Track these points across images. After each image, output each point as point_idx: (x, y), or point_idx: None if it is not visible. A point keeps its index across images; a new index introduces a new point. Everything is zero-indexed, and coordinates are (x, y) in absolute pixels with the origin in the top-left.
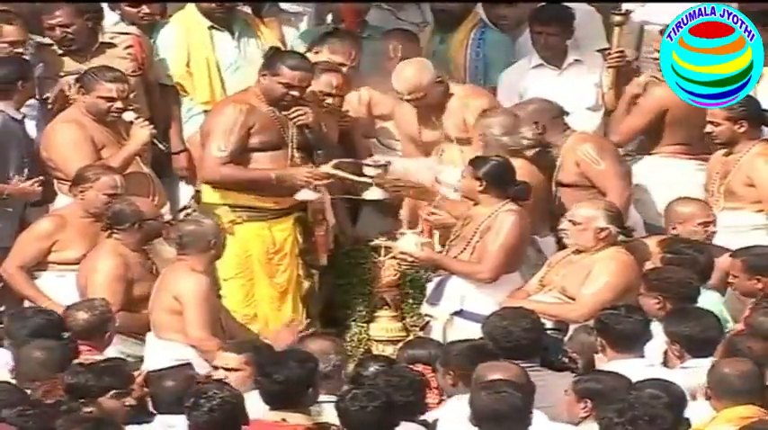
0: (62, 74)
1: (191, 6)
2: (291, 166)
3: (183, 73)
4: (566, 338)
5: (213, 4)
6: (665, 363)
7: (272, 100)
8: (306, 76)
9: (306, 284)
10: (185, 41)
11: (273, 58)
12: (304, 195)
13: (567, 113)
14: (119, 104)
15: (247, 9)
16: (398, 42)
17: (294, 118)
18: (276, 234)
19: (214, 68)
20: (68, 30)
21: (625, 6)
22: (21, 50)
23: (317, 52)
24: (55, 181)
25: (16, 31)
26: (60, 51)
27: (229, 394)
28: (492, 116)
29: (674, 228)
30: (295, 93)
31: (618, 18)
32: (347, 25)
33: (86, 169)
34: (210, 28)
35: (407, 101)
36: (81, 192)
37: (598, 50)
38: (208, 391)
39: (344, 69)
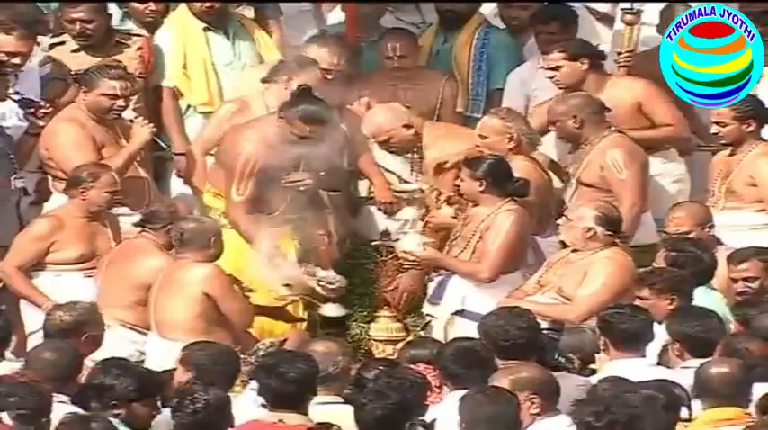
0: (73, 73)
1: (183, 7)
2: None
3: (180, 75)
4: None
5: (203, 6)
6: (659, 363)
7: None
8: (317, 127)
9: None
10: (182, 43)
11: (290, 103)
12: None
13: (609, 110)
14: (121, 102)
15: (247, 11)
16: (396, 42)
17: (293, 187)
18: None
19: (210, 69)
20: (89, 26)
21: (636, 6)
22: (18, 62)
23: None
24: (50, 179)
25: (13, 41)
26: (72, 48)
27: (214, 396)
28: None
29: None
30: (306, 137)
31: (629, 17)
32: (348, 27)
33: (83, 169)
34: (205, 29)
35: (377, 143)
36: (82, 191)
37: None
38: (193, 393)
39: (328, 76)
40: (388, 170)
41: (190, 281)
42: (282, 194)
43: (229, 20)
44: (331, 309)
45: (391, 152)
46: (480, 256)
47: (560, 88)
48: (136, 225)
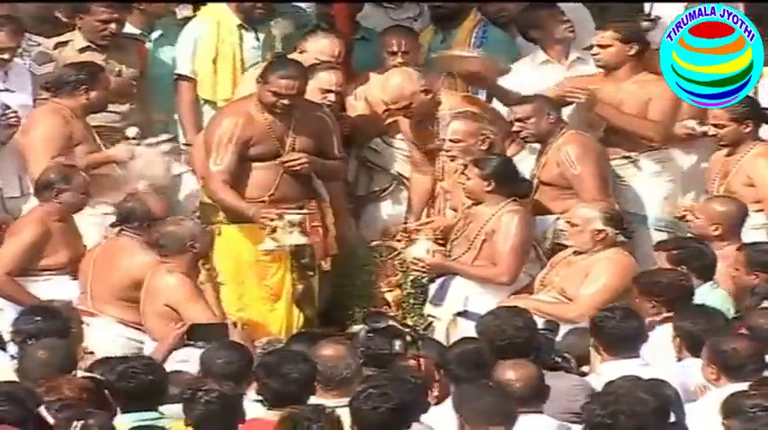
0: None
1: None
2: (283, 177)
3: (209, 68)
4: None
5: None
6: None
7: (265, 107)
8: (294, 85)
9: (300, 287)
10: (215, 37)
11: (267, 65)
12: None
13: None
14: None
15: (186, 11)
16: (401, 38)
17: (289, 166)
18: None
19: (239, 66)
20: (120, 27)
21: (655, 12)
22: (6, 57)
23: (301, 51)
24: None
25: (4, 37)
26: (79, 47)
27: (228, 389)
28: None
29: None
30: (285, 101)
31: (646, 24)
32: (340, 26)
33: (52, 171)
34: (240, 27)
35: (393, 110)
36: (56, 194)
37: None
38: (206, 385)
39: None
40: (372, 164)
41: (156, 291)
42: (272, 175)
43: (263, 22)
44: (294, 238)
45: (408, 117)
46: (492, 259)
47: (599, 66)
48: (113, 225)
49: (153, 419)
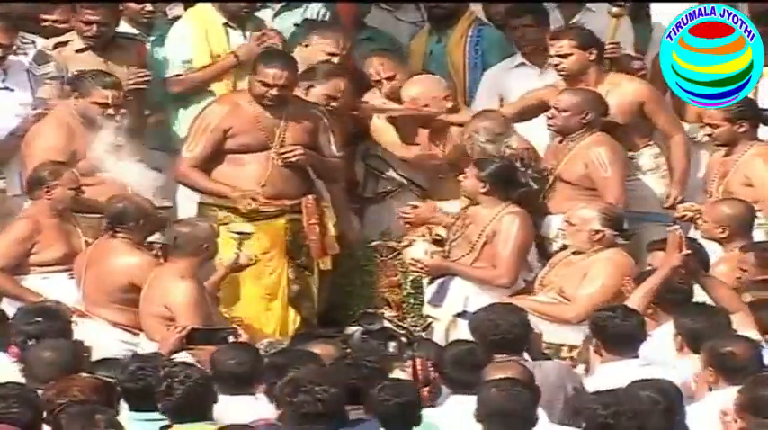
0: (76, 72)
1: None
2: (273, 169)
3: (192, 66)
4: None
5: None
6: None
7: (255, 98)
8: (282, 75)
9: (296, 287)
10: (203, 35)
11: (257, 57)
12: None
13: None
14: (111, 111)
15: (177, 9)
16: (377, 68)
17: (285, 157)
18: (263, 236)
19: None
20: (103, 29)
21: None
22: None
23: (306, 44)
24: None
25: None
26: (77, 48)
27: (199, 375)
28: (482, 121)
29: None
30: (274, 92)
31: (615, 10)
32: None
33: (43, 168)
34: (225, 25)
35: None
36: (47, 191)
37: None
38: (178, 375)
39: (335, 59)
40: (378, 172)
41: (160, 291)
42: (262, 168)
43: (251, 19)
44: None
45: (424, 127)
46: (493, 261)
47: (563, 76)
48: (107, 227)
49: (159, 420)
